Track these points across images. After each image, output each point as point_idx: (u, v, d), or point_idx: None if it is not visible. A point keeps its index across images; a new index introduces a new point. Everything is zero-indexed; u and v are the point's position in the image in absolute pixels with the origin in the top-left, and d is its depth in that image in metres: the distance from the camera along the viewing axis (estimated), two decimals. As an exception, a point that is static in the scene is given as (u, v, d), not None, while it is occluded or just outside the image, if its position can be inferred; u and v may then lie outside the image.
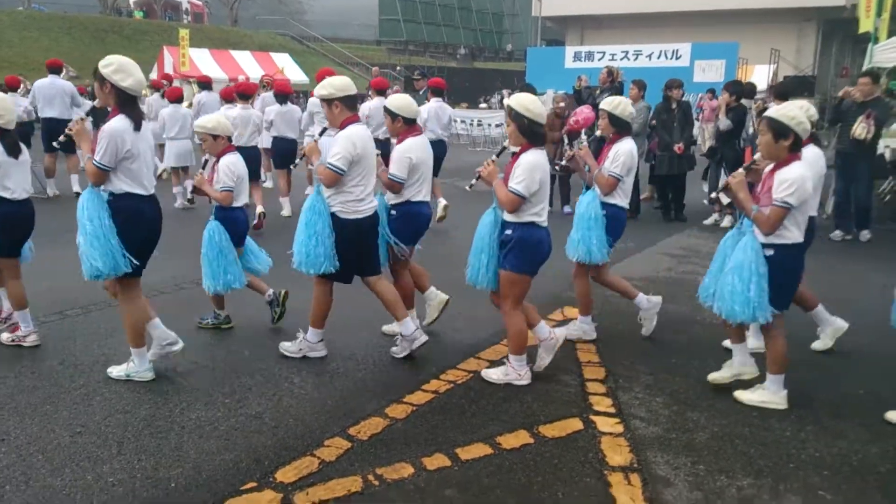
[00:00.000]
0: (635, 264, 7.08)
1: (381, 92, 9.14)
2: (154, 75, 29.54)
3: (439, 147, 8.58)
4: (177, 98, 10.23)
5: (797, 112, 3.77)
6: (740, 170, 4.04)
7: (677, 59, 24.92)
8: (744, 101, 9.22)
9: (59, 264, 6.24)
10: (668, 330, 5.16)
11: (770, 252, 3.79)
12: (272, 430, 3.56)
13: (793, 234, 3.77)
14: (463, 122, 23.73)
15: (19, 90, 11.44)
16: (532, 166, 3.90)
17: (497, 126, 21.67)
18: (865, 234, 8.46)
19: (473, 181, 4.37)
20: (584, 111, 9.69)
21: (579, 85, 12.08)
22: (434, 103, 9.10)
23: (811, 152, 4.41)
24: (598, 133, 4.84)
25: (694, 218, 9.64)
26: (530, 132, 3.94)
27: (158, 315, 4.29)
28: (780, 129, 3.72)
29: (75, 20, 40.83)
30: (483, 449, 3.43)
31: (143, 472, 3.17)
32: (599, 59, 27.04)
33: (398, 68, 39.53)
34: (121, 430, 3.53)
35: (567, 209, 9.86)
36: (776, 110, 3.88)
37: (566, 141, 9.66)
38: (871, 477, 3.27)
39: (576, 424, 3.70)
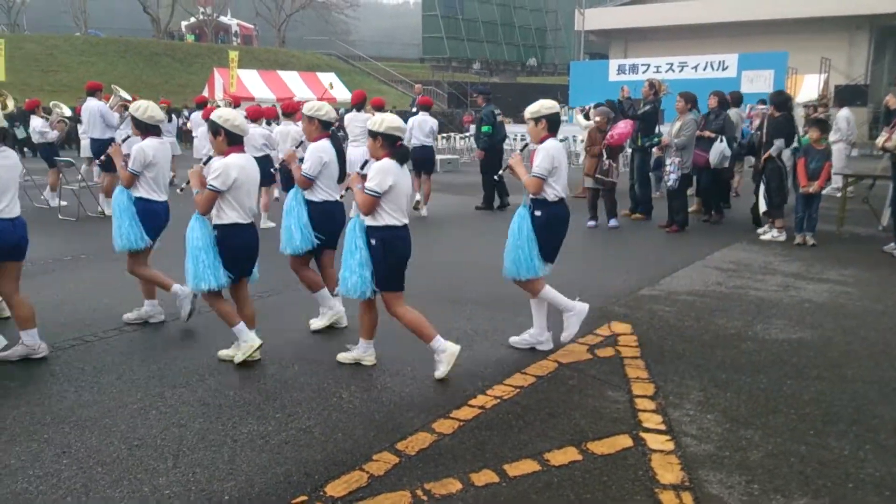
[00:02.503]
0: (683, 279, 6.98)
1: (360, 107, 10.68)
2: (206, 94, 30.34)
3: (423, 151, 10.97)
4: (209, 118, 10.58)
5: (230, 114, 4.66)
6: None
7: (724, 69, 24.61)
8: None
9: (115, 281, 6.45)
10: (719, 345, 5.08)
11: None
12: (322, 444, 3.61)
13: (229, 215, 4.57)
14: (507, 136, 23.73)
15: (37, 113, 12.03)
16: None
17: (541, 141, 21.63)
18: (892, 247, 8.00)
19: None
20: (619, 127, 9.65)
21: (622, 96, 12.05)
22: (420, 116, 11.19)
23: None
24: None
25: (744, 231, 9.47)
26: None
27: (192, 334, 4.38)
28: (213, 128, 4.57)
29: (130, 44, 42.25)
30: (531, 465, 3.41)
31: (198, 484, 3.24)
32: (644, 72, 26.84)
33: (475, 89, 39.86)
34: (176, 443, 3.62)
35: (613, 222, 9.78)
36: (215, 112, 4.69)
37: (605, 155, 9.63)
38: (936, 498, 3.15)
39: (625, 441, 3.66)
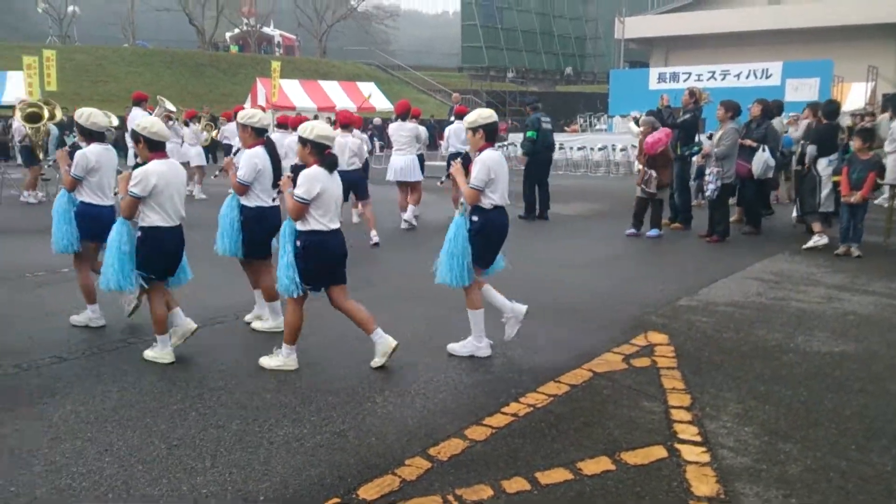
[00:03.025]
0: (722, 289, 6.87)
1: (404, 117, 10.79)
2: (248, 105, 30.88)
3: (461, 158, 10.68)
4: None
5: (149, 121, 4.85)
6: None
7: (767, 77, 24.23)
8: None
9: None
10: (759, 357, 4.99)
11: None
12: (355, 447, 3.65)
13: (151, 218, 4.77)
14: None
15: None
16: None
17: (579, 149, 21.54)
18: None
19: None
20: (649, 140, 9.47)
21: (661, 105, 11.95)
22: (456, 124, 11.51)
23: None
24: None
25: (787, 242, 9.29)
26: None
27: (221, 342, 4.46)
28: (134, 136, 4.84)
29: (175, 55, 43.23)
30: (563, 474, 3.40)
31: (234, 485, 3.30)
32: (685, 80, 26.54)
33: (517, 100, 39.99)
34: (214, 444, 3.69)
35: (653, 232, 9.67)
36: (136, 122, 5.04)
37: (645, 165, 9.57)
38: (983, 517, 3.06)
39: (659, 452, 3.63)
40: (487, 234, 4.94)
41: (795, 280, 7.23)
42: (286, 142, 10.17)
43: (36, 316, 5.86)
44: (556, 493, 3.24)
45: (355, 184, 9.29)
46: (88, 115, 5.53)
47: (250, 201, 5.36)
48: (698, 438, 3.77)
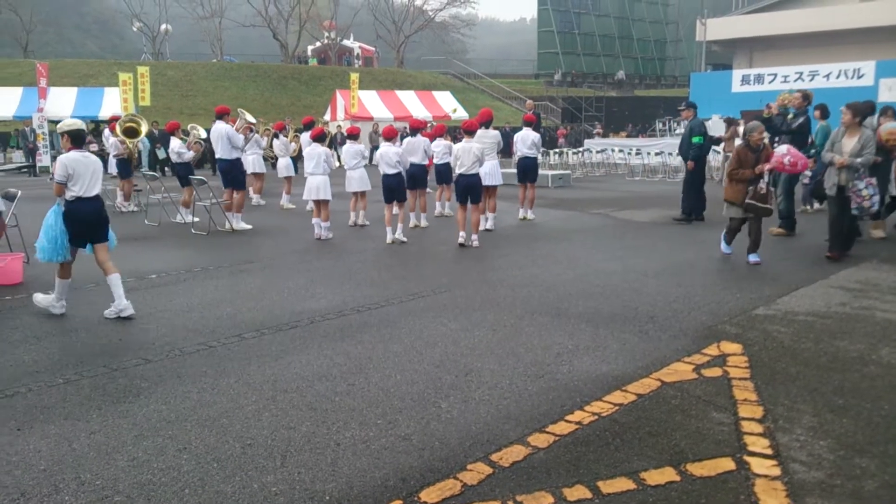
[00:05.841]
0: (803, 298, 6.63)
1: (487, 125, 11.23)
2: (328, 117, 31.69)
3: (527, 162, 12.19)
4: (316, 137, 10.97)
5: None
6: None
7: (859, 77, 23.18)
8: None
9: (238, 292, 6.88)
10: (838, 369, 4.80)
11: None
12: (419, 451, 3.72)
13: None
14: (621, 151, 23.36)
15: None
16: None
17: (657, 154, 21.09)
18: None
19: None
20: (799, 154, 8.39)
21: (768, 112, 11.57)
22: (524, 131, 12.30)
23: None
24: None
25: (874, 250, 8.87)
26: None
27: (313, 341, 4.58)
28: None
29: (260, 69, 44.82)
30: (626, 483, 3.37)
31: (302, 484, 3.42)
32: (770, 82, 25.74)
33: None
34: (285, 444, 3.83)
35: (754, 258, 8.24)
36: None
37: (765, 178, 8.10)
38: None
39: (727, 464, 3.55)
40: (70, 219, 6.14)
41: (883, 289, 6.90)
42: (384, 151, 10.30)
43: (125, 320, 6.21)
44: (618, 501, 3.22)
45: (473, 188, 9.54)
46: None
47: None
48: (769, 451, 3.67)
